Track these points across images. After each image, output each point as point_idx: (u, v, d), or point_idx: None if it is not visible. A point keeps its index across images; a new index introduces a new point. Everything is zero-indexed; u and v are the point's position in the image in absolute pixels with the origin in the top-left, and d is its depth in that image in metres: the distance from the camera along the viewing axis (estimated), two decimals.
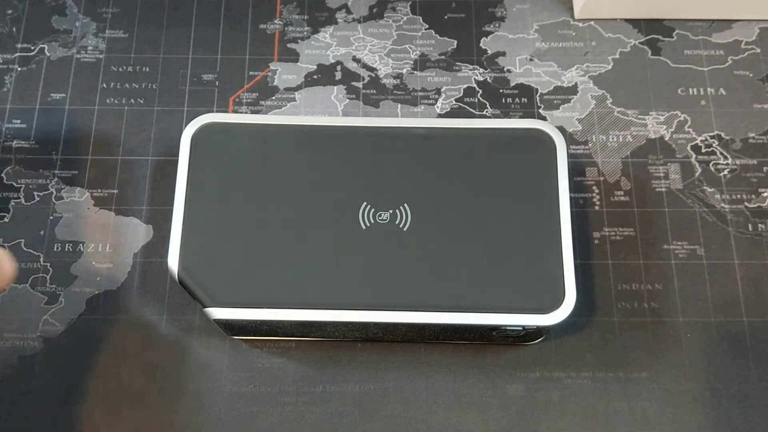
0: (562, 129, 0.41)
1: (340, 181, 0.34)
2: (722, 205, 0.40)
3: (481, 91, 0.42)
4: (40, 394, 0.36)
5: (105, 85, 0.43)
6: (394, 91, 0.43)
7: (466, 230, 0.34)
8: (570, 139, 0.41)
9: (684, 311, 0.38)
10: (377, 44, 0.44)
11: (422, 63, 0.43)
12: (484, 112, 0.42)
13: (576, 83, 0.43)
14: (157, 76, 0.43)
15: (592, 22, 0.44)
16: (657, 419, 0.36)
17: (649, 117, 0.42)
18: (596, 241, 0.39)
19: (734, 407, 0.36)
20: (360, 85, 0.43)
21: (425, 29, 0.44)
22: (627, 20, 0.44)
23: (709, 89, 0.43)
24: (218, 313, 0.32)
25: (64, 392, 0.36)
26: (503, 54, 0.43)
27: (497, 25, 0.44)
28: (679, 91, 0.43)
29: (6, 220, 0.39)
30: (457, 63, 0.43)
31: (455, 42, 0.44)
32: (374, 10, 0.45)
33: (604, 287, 0.38)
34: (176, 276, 0.33)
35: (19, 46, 0.43)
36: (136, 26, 0.44)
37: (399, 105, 0.42)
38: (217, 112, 0.42)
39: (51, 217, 0.39)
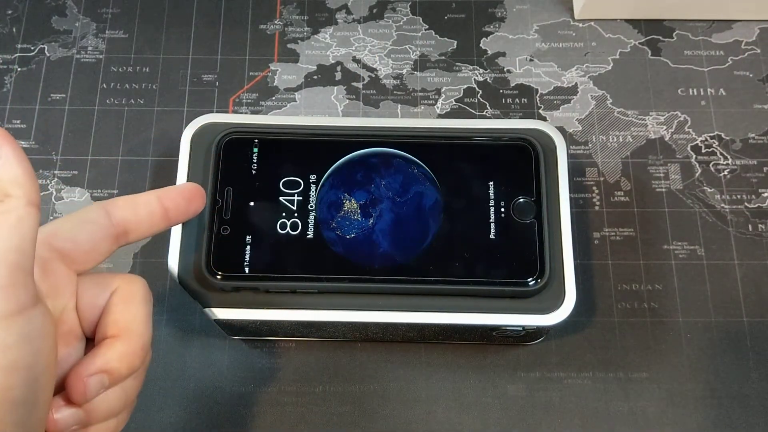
0: (562, 129, 0.41)
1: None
2: (722, 205, 0.40)
3: (481, 91, 0.42)
4: None
5: (105, 85, 0.43)
6: (394, 92, 0.43)
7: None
8: (570, 139, 0.41)
9: (684, 311, 0.38)
10: (377, 45, 0.44)
11: (422, 63, 0.43)
12: (484, 113, 0.42)
13: (576, 83, 0.43)
14: (157, 76, 0.43)
15: (592, 23, 0.44)
16: (657, 419, 0.36)
17: (649, 117, 0.42)
18: (596, 242, 0.39)
19: (734, 407, 0.36)
20: (360, 85, 0.43)
21: (425, 30, 0.44)
22: (627, 20, 0.44)
23: (709, 89, 0.43)
24: (218, 313, 0.32)
25: None
26: (503, 54, 0.43)
27: (497, 25, 0.44)
28: (679, 91, 0.43)
29: None
30: (457, 63, 0.43)
31: (455, 42, 0.44)
32: (374, 11, 0.45)
33: (604, 287, 0.38)
34: (176, 276, 0.33)
35: (19, 46, 0.43)
36: (136, 26, 0.44)
37: (399, 105, 0.42)
38: (217, 112, 0.41)
39: (51, 217, 0.39)
